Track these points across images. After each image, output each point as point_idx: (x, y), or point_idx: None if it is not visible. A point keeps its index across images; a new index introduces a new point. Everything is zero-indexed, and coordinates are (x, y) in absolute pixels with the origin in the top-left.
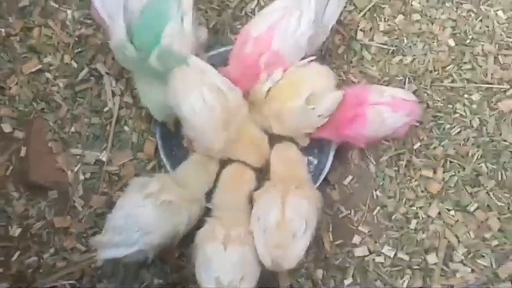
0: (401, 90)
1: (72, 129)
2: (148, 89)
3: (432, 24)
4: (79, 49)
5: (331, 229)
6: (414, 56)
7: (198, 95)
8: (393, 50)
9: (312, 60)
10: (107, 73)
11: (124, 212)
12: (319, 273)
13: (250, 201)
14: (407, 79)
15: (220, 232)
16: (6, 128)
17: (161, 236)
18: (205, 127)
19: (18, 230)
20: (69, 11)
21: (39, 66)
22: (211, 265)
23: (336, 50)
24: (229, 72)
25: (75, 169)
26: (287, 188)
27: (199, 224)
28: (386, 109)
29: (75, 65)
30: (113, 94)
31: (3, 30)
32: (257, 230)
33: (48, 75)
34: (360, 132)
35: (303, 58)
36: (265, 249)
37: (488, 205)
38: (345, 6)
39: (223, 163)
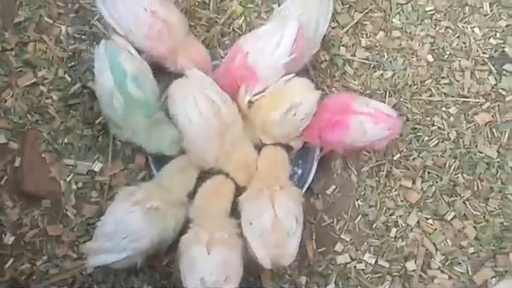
0: (385, 105)
1: (65, 141)
2: (156, 131)
3: (412, 40)
4: (72, 63)
5: (314, 237)
6: (394, 70)
7: (193, 104)
8: (374, 65)
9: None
10: None
11: (113, 218)
12: (303, 279)
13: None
14: (387, 93)
15: (204, 235)
16: (1, 139)
17: (149, 242)
18: (200, 137)
19: (12, 238)
20: (63, 27)
21: (34, 80)
22: (196, 267)
23: (319, 65)
24: (217, 79)
25: (68, 179)
26: (272, 190)
27: (183, 231)
28: (368, 120)
29: (68, 78)
30: None
31: None
32: (251, 235)
33: (42, 88)
34: (341, 138)
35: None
36: (264, 251)
37: (464, 214)
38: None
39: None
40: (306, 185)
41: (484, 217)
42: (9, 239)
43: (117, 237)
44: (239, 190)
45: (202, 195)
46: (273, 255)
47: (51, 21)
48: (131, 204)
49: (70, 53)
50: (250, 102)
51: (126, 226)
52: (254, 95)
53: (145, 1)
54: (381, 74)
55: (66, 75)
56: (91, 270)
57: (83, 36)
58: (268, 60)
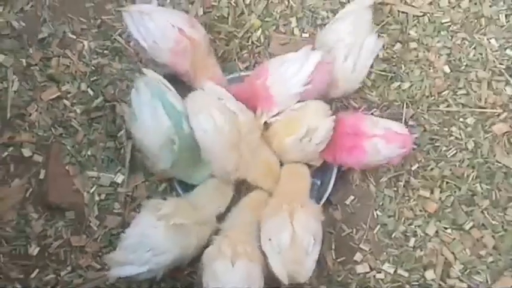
0: (394, 123)
1: (89, 153)
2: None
3: (428, 52)
4: (95, 77)
5: (333, 247)
6: (412, 82)
7: (207, 115)
8: (392, 77)
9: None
10: (122, 100)
11: (137, 231)
12: None
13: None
14: (405, 104)
15: (227, 250)
16: (26, 152)
17: (172, 257)
18: (215, 147)
19: (37, 249)
20: (85, 42)
21: (58, 94)
22: (220, 280)
23: None
24: (238, 92)
25: (91, 191)
26: (292, 207)
27: (208, 243)
28: (381, 141)
29: (91, 92)
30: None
31: (24, 60)
32: (270, 251)
33: (66, 102)
34: (358, 160)
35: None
36: (282, 267)
37: (483, 224)
38: None
39: (239, 187)
40: (325, 196)
41: (502, 226)
42: (34, 250)
43: (140, 251)
44: None
45: (244, 206)
46: (290, 272)
47: (74, 37)
48: (156, 219)
49: (93, 67)
50: (266, 124)
51: (150, 240)
52: (272, 117)
53: (173, 18)
54: (398, 85)
55: (89, 89)
56: (113, 280)
57: (105, 51)
58: (284, 87)
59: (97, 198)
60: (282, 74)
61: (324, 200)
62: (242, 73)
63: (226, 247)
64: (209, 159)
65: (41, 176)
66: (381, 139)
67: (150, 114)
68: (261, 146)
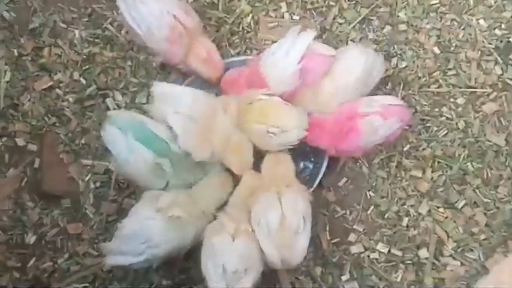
0: (389, 97)
1: (82, 141)
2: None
3: (418, 33)
4: (87, 66)
5: (328, 228)
6: (402, 63)
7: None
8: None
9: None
10: (114, 88)
11: (134, 222)
12: (318, 270)
13: None
14: (396, 85)
15: (229, 225)
16: (20, 141)
17: (167, 250)
18: (188, 143)
19: (34, 238)
20: (76, 31)
21: (50, 83)
22: (218, 254)
23: None
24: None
25: (86, 178)
26: (279, 189)
27: None
28: (377, 118)
29: (83, 81)
30: (118, 107)
31: (15, 50)
32: (260, 233)
33: (58, 91)
34: (355, 144)
35: None
36: (273, 250)
37: (475, 202)
38: (334, 18)
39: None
40: (318, 179)
41: (494, 204)
42: (30, 238)
43: (136, 242)
44: None
45: (240, 190)
46: (283, 255)
47: (65, 26)
48: (154, 211)
49: (84, 56)
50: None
51: (146, 232)
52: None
53: (167, 4)
54: (389, 67)
55: (81, 78)
56: (108, 268)
57: (96, 40)
58: (276, 68)
59: (92, 186)
60: (273, 55)
61: (316, 183)
62: (240, 57)
63: (228, 222)
64: (187, 149)
65: (36, 165)
66: (377, 116)
67: (124, 148)
68: (232, 130)
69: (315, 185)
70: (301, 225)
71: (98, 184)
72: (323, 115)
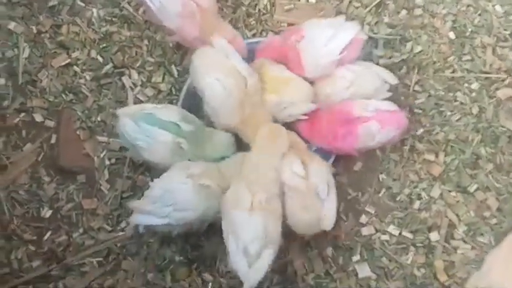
0: (384, 103)
1: (98, 119)
2: (210, 142)
3: (433, 18)
4: (104, 44)
5: (340, 210)
6: (417, 47)
7: (216, 79)
8: (397, 42)
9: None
10: (130, 67)
11: (164, 184)
12: (329, 251)
13: None
14: (411, 69)
15: (245, 198)
16: (38, 117)
17: (192, 216)
18: (223, 108)
19: (49, 212)
20: (94, 10)
21: (68, 61)
22: (238, 230)
23: None
24: (270, 48)
25: (101, 155)
26: (304, 157)
27: None
28: (375, 125)
29: (100, 59)
30: (134, 85)
31: (34, 27)
32: (288, 189)
33: (76, 68)
34: (351, 146)
35: None
36: (302, 212)
37: (487, 186)
38: (350, 2)
39: None
40: (331, 160)
41: (506, 189)
42: (46, 212)
43: (163, 203)
44: None
45: (259, 144)
46: (311, 219)
47: (83, 5)
48: (185, 176)
49: (102, 34)
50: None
51: (173, 195)
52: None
53: None
54: (404, 51)
55: (99, 56)
56: (133, 225)
57: (113, 19)
58: (316, 55)
59: (107, 162)
60: (314, 40)
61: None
62: (256, 39)
63: (244, 195)
64: (214, 117)
65: (53, 141)
66: (375, 122)
67: (140, 136)
68: (259, 106)
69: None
70: (325, 191)
71: (112, 161)
72: (314, 116)
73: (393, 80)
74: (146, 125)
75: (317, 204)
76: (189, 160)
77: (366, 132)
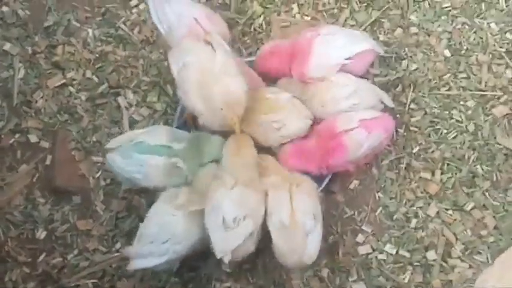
0: (369, 112)
1: (94, 139)
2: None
3: (429, 36)
4: (99, 64)
5: (337, 229)
6: (412, 65)
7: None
8: (392, 60)
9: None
10: (126, 87)
11: (156, 221)
12: (325, 271)
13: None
14: (406, 87)
15: (229, 180)
16: (33, 138)
17: (190, 245)
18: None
19: (44, 233)
20: (90, 30)
21: (63, 81)
22: (218, 206)
23: None
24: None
25: (97, 175)
26: (291, 187)
27: None
28: (361, 132)
29: (96, 79)
30: (130, 105)
31: (29, 48)
32: (273, 228)
33: (71, 89)
34: (342, 160)
35: None
36: (285, 246)
37: (484, 204)
38: (346, 20)
39: None
40: (327, 179)
41: (503, 207)
42: (41, 234)
43: (159, 241)
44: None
45: (228, 150)
46: (294, 254)
47: (78, 25)
48: (174, 208)
49: (97, 54)
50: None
51: (169, 229)
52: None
53: (190, 7)
54: (400, 69)
55: (94, 76)
56: (131, 271)
57: (109, 39)
58: (327, 53)
59: (103, 182)
60: (329, 40)
61: (325, 182)
62: (253, 58)
63: (228, 178)
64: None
65: (48, 162)
66: (359, 129)
67: (132, 167)
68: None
69: (323, 185)
70: (313, 225)
71: (108, 181)
72: (302, 140)
73: (390, 103)
74: (137, 155)
75: (304, 241)
76: (187, 176)
77: (353, 141)
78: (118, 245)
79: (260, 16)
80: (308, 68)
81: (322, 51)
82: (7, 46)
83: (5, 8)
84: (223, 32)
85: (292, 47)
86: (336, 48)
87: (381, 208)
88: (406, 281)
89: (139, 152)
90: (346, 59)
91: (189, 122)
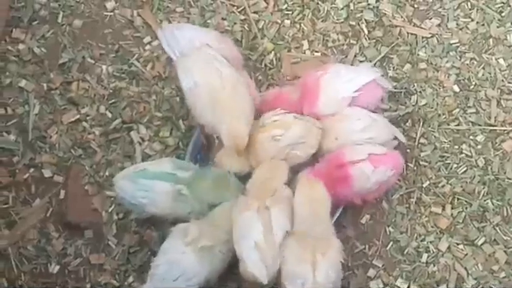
0: (377, 147)
1: (107, 173)
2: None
3: (437, 71)
4: (113, 100)
5: (348, 264)
6: (422, 101)
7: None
8: (402, 95)
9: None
10: (138, 122)
11: (167, 259)
12: None
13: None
14: (416, 122)
15: (254, 202)
16: (47, 173)
17: (202, 279)
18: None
19: (57, 267)
20: (104, 66)
21: (77, 117)
22: (248, 231)
23: None
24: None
25: (109, 210)
26: (314, 243)
27: None
28: (367, 166)
29: (109, 114)
30: (142, 140)
31: (45, 85)
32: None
33: (85, 124)
34: (348, 191)
35: None
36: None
37: (495, 239)
38: (355, 56)
39: None
40: (338, 213)
41: None
42: (54, 268)
43: (170, 279)
44: None
45: (258, 176)
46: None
47: (93, 62)
48: (184, 245)
49: (111, 90)
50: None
51: (180, 266)
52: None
53: (201, 33)
54: (409, 104)
55: (107, 112)
56: None
57: (122, 75)
58: (334, 87)
59: (115, 217)
60: (337, 77)
61: (335, 217)
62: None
63: (253, 201)
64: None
65: (61, 196)
66: (367, 163)
67: (139, 193)
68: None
69: (334, 219)
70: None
71: (120, 215)
72: (313, 171)
73: (403, 138)
74: (144, 180)
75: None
76: (192, 205)
77: (359, 173)
78: (130, 279)
79: (271, 52)
80: (318, 107)
81: (330, 88)
82: (23, 83)
83: (21, 46)
84: (236, 57)
85: (299, 88)
86: (342, 83)
87: (391, 242)
88: None
89: (146, 178)
90: (355, 92)
91: (203, 145)
